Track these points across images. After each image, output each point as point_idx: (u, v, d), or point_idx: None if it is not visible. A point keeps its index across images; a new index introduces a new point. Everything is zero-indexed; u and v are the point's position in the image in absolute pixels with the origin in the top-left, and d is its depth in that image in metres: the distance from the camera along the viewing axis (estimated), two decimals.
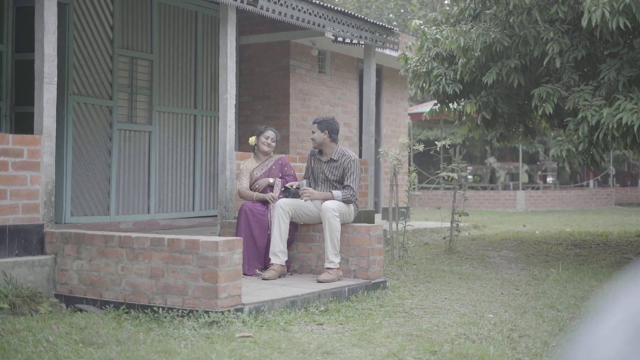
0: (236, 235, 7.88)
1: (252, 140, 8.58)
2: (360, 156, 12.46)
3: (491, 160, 27.64)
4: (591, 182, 28.75)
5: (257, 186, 8.30)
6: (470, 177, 27.00)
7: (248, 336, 5.39)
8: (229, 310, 5.82)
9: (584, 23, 8.28)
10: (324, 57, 13.68)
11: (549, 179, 26.59)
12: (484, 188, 26.38)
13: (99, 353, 4.81)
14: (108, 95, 10.33)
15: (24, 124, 9.19)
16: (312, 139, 8.07)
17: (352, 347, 5.23)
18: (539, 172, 27.09)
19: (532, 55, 9.76)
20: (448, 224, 11.62)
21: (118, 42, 10.46)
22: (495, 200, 24.46)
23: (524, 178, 26.97)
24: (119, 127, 10.43)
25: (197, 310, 5.83)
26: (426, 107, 21.46)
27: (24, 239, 6.57)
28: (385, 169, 14.67)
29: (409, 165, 17.99)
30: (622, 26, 8.17)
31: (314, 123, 8.07)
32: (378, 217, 14.23)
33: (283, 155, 8.83)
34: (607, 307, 0.49)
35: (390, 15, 35.49)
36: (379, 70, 15.11)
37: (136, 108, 10.76)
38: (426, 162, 34.02)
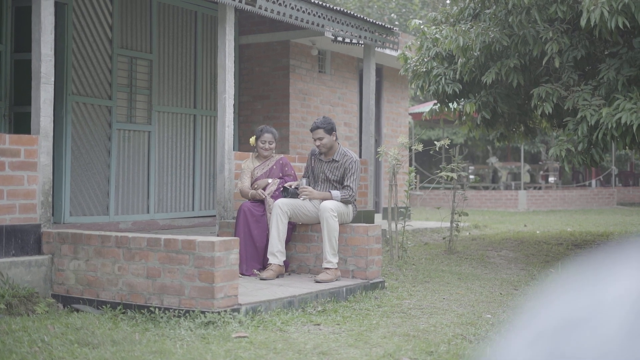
0: (235, 236, 7.87)
1: (252, 140, 8.57)
2: (360, 156, 12.45)
3: (493, 160, 27.63)
4: (593, 181, 28.70)
5: (256, 186, 8.29)
6: (471, 176, 26.98)
7: (244, 336, 5.38)
8: (225, 311, 5.81)
9: (582, 22, 8.26)
10: (324, 57, 13.67)
11: (551, 179, 26.55)
12: (486, 188, 26.36)
13: (93, 353, 4.80)
14: (107, 95, 10.33)
15: (23, 124, 9.19)
16: (320, 145, 7.92)
17: (348, 347, 5.22)
18: (541, 172, 27.06)
19: (532, 55, 9.74)
20: (448, 224, 11.60)
21: (117, 42, 10.46)
22: (497, 200, 24.44)
23: (525, 178, 26.95)
24: (118, 127, 10.42)
25: (193, 311, 5.82)
26: (427, 107, 21.44)
27: (20, 239, 6.56)
28: (385, 169, 14.65)
29: (411, 165, 17.98)
30: (621, 26, 8.15)
31: (318, 129, 7.88)
32: (378, 217, 14.21)
33: (284, 155, 8.81)
34: (525, 317, 0.47)
35: (392, 15, 35.46)
36: (380, 70, 15.09)
37: (135, 108, 10.76)
38: (428, 162, 34.00)
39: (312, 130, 7.99)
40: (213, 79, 11.99)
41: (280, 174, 8.38)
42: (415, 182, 10.79)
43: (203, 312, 5.77)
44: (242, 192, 8.33)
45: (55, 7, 9.13)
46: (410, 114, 23.67)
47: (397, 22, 34.82)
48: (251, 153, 8.68)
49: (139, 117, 10.82)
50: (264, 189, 8.24)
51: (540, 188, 25.80)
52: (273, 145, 8.43)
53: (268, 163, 8.41)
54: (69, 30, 9.79)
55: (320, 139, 7.89)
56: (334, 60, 13.88)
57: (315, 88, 13.34)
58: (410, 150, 10.48)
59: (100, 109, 10.23)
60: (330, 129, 7.89)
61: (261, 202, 8.18)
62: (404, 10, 35.39)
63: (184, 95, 11.58)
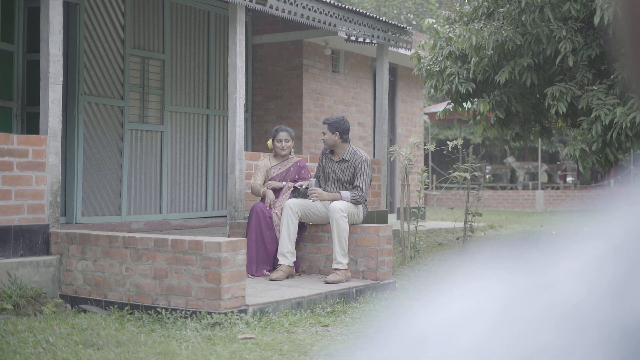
0: (246, 236, 7.82)
1: (269, 143, 8.51)
2: (373, 156, 12.40)
3: (510, 159, 27.48)
4: (612, 181, 28.48)
5: (267, 185, 8.25)
6: (488, 176, 26.85)
7: (250, 338, 5.34)
8: (232, 312, 5.78)
9: (596, 21, 8.17)
10: (338, 57, 13.62)
11: (569, 179, 26.35)
12: (503, 188, 26.21)
13: (97, 355, 4.78)
14: (119, 95, 10.33)
15: (35, 124, 9.17)
16: (323, 140, 7.99)
17: (355, 349, 5.16)
18: (559, 172, 26.88)
19: (545, 54, 9.67)
20: (461, 224, 11.52)
21: (129, 42, 10.45)
22: (514, 200, 24.28)
23: (543, 178, 26.78)
24: (130, 127, 10.42)
25: (200, 312, 5.79)
26: (443, 107, 21.33)
27: (29, 240, 6.56)
28: (399, 169, 14.58)
29: (427, 164, 17.89)
30: None
31: (324, 123, 7.99)
32: (393, 217, 14.15)
33: (302, 158, 8.73)
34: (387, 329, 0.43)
35: (410, 15, 35.35)
36: (394, 69, 15.03)
37: (148, 108, 10.76)
38: (445, 161, 33.88)
39: (322, 123, 8.07)
40: (226, 78, 11.97)
41: (297, 177, 8.32)
42: (428, 182, 10.71)
43: (210, 313, 5.74)
44: (253, 190, 8.27)
45: (67, 7, 9.18)
46: (426, 113, 23.58)
47: (414, 22, 34.71)
48: (260, 154, 8.64)
49: (152, 117, 10.82)
50: (278, 191, 8.17)
51: (558, 188, 25.62)
52: (290, 144, 8.36)
53: (285, 164, 8.34)
54: (80, 30, 9.80)
55: (323, 133, 7.95)
56: (348, 59, 13.84)
57: (328, 88, 13.30)
58: (425, 149, 10.39)
59: (112, 109, 10.23)
60: (335, 129, 7.85)
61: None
62: (421, 9, 35.29)
63: (197, 95, 11.57)
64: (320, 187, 8.01)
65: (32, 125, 9.38)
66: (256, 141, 12.64)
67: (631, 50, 0.44)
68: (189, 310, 5.86)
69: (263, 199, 8.21)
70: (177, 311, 5.91)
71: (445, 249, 11.56)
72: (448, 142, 10.43)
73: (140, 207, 10.57)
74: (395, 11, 34.00)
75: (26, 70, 9.54)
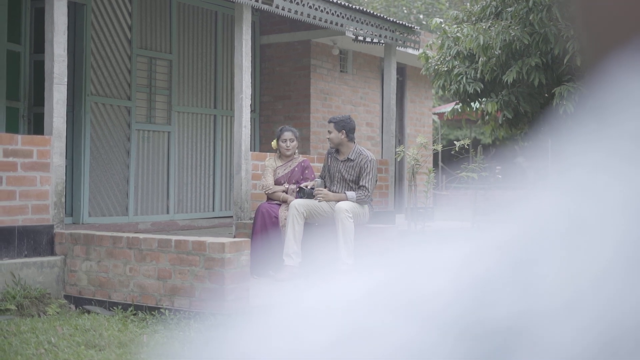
0: (252, 236, 7.80)
1: (274, 144, 8.48)
2: (381, 156, 12.36)
3: (520, 159, 27.39)
4: None
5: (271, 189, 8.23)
6: (499, 176, 26.77)
7: None
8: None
9: None
10: (346, 57, 13.59)
11: None
12: (513, 188, 26.12)
13: (99, 356, 4.76)
14: (126, 95, 10.33)
15: (42, 124, 9.17)
16: (329, 138, 7.97)
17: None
18: None
19: (553, 53, 9.60)
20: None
21: (136, 42, 10.45)
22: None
23: None
24: (137, 128, 10.42)
25: (203, 312, 5.77)
26: (451, 107, 21.24)
27: (33, 240, 6.56)
28: (407, 169, 14.53)
29: (437, 164, 17.84)
30: None
31: (330, 122, 7.98)
32: (401, 218, 14.10)
33: (306, 158, 8.71)
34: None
35: (420, 15, 35.29)
36: (403, 69, 14.98)
37: (155, 108, 10.75)
38: (454, 161, 33.77)
39: (327, 122, 8.07)
40: (233, 79, 11.95)
41: (301, 177, 8.29)
42: (436, 182, 10.67)
43: (213, 314, 5.72)
44: (267, 191, 8.20)
45: (73, 7, 9.18)
46: (435, 113, 23.52)
47: (424, 22, 34.63)
48: (267, 154, 8.61)
49: (159, 117, 10.82)
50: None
51: None
52: (294, 144, 8.33)
53: (290, 164, 8.32)
54: (87, 31, 9.80)
55: (329, 132, 7.94)
56: (356, 59, 13.80)
57: (336, 88, 13.26)
58: (433, 149, 10.35)
59: (119, 110, 10.23)
60: (341, 127, 7.84)
61: (278, 203, 8.09)
62: (431, 9, 35.22)
63: (204, 96, 11.56)
64: (325, 187, 7.99)
65: (39, 125, 9.36)
66: (264, 141, 12.62)
67: (581, 20, 0.41)
68: (192, 311, 5.85)
69: (269, 198, 8.19)
70: (181, 312, 5.89)
71: None
72: (455, 142, 10.39)
73: (147, 208, 10.56)
74: (405, 11, 33.96)
75: (33, 71, 9.54)
